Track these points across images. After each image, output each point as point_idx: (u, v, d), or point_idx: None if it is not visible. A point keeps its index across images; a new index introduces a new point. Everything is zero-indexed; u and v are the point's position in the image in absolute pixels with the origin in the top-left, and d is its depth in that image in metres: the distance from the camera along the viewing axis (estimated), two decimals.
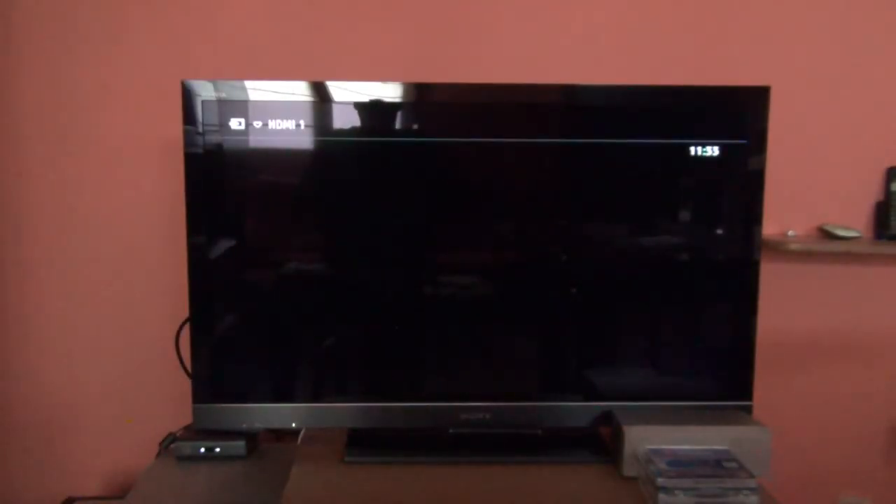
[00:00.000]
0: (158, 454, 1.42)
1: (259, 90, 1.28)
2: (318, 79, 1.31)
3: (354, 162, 1.34)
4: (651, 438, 1.23)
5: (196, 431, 1.37)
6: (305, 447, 1.36)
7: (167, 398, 1.56)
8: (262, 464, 1.38)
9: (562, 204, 1.36)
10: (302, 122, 1.29)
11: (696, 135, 1.32)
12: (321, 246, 1.38)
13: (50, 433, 1.59)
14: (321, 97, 1.29)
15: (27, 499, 1.60)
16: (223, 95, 1.27)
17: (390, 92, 1.30)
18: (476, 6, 1.52)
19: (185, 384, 1.38)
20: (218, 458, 1.38)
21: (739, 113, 1.32)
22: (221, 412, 1.33)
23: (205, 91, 1.27)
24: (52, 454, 1.60)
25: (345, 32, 1.51)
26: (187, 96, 1.27)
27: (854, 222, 1.57)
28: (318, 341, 1.37)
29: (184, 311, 1.35)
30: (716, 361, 1.36)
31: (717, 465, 1.17)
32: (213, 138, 1.28)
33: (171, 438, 1.42)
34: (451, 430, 1.34)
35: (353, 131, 1.31)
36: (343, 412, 1.33)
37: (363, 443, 1.34)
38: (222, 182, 1.30)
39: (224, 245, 1.32)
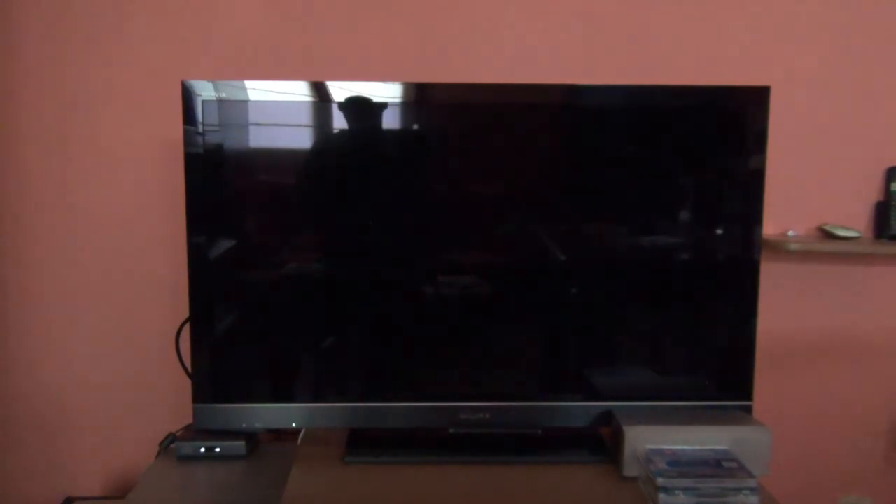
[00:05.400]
0: (158, 454, 1.42)
1: (259, 90, 1.28)
2: (318, 79, 1.31)
3: (354, 162, 1.34)
4: (651, 438, 1.23)
5: (196, 431, 1.37)
6: (305, 447, 1.36)
7: (167, 398, 1.57)
8: (262, 464, 1.38)
9: (562, 204, 1.36)
10: (302, 122, 1.29)
11: (696, 135, 1.32)
12: (321, 246, 1.38)
13: (50, 433, 1.59)
14: (321, 97, 1.29)
15: (27, 499, 1.60)
16: (223, 95, 1.27)
17: (390, 92, 1.30)
18: (476, 6, 1.52)
19: (185, 384, 1.38)
20: (218, 458, 1.38)
21: (739, 113, 1.32)
22: (221, 412, 1.33)
23: (205, 91, 1.27)
24: (52, 454, 1.60)
25: (344, 32, 1.51)
26: (187, 96, 1.27)
27: (854, 222, 1.57)
28: (317, 341, 1.37)
29: (184, 311, 1.35)
30: (716, 361, 1.36)
31: (717, 465, 1.17)
32: (213, 138, 1.28)
33: (171, 438, 1.42)
34: (451, 430, 1.34)
35: (352, 131, 1.31)
36: (343, 412, 1.33)
37: (363, 443, 1.34)
38: (222, 182, 1.30)
39: (224, 245, 1.32)
